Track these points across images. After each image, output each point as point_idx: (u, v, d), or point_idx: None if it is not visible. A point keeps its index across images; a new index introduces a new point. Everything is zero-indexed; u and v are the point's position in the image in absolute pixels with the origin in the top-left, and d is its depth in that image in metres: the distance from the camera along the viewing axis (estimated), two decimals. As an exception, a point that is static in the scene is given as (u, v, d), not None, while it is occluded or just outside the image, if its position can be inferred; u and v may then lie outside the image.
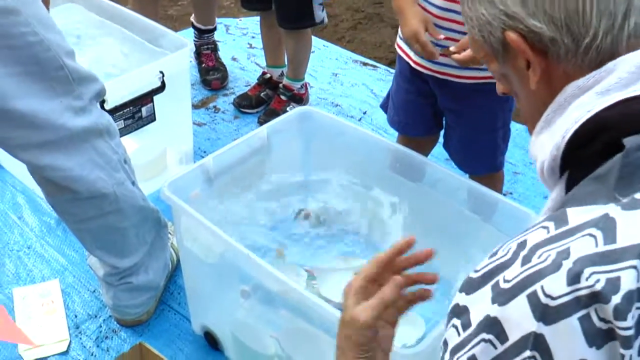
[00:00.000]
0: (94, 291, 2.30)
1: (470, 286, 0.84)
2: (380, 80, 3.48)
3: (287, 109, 3.04)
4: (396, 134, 2.35)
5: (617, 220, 0.77)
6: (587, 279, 0.74)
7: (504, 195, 2.27)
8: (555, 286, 0.76)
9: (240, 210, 2.18)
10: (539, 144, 0.95)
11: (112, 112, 2.24)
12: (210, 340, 2.10)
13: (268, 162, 2.17)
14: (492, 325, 0.80)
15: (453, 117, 2.14)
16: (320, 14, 2.86)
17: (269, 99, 3.21)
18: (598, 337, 0.74)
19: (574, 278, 0.75)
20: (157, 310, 2.24)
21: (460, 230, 1.94)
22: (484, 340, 0.80)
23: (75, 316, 2.23)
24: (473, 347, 0.81)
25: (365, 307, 1.04)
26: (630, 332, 0.73)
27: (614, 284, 0.73)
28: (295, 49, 3.03)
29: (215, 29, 3.40)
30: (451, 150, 2.25)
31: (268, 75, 3.22)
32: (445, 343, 0.85)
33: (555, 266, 0.76)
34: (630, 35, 0.89)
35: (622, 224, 0.77)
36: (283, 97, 3.14)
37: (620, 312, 0.73)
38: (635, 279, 0.74)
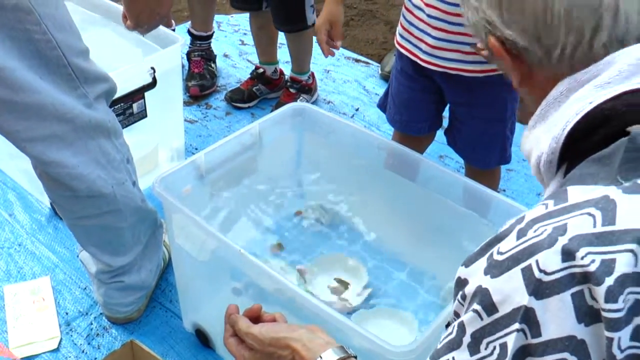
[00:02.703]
0: (85, 288, 2.29)
1: (469, 259, 0.86)
2: (373, 76, 3.47)
3: (298, 100, 3.05)
4: (389, 130, 2.35)
5: (617, 203, 0.77)
6: (582, 258, 0.74)
7: (498, 192, 2.27)
8: (550, 261, 0.76)
9: (232, 207, 2.17)
10: (533, 138, 0.95)
11: (103, 108, 2.23)
12: (202, 338, 2.09)
13: (260, 159, 2.16)
14: (482, 297, 0.81)
15: (464, 110, 2.13)
16: (311, 16, 2.90)
17: (262, 94, 3.21)
18: (588, 314, 0.75)
19: (568, 255, 0.75)
20: (149, 307, 2.22)
21: (455, 228, 1.94)
22: (473, 310, 0.82)
23: (66, 313, 2.21)
24: (464, 314, 0.84)
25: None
26: (619, 315, 0.73)
27: (608, 266, 0.73)
28: (297, 47, 3.08)
29: (209, 37, 3.33)
30: (460, 145, 2.23)
31: (261, 70, 3.21)
32: (456, 314, 0.88)
33: (551, 241, 0.76)
34: (604, 46, 0.89)
35: (623, 207, 0.76)
36: (292, 90, 3.16)
37: (612, 294, 0.73)
38: (631, 263, 0.74)
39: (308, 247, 2.29)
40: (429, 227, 2.06)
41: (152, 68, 2.38)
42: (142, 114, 2.43)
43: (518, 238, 0.80)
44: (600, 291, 0.73)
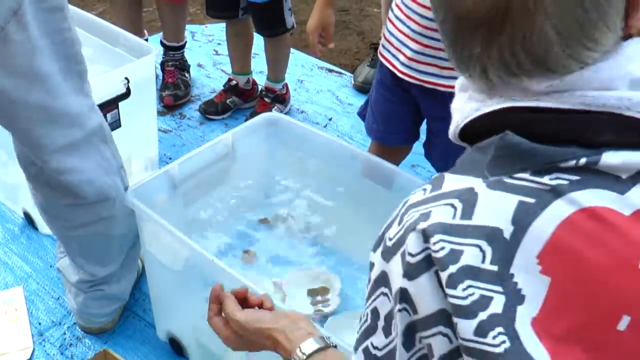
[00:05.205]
0: (59, 298, 2.28)
1: (374, 245, 0.92)
2: (346, 86, 3.50)
3: (273, 110, 3.06)
4: (362, 140, 2.36)
5: (479, 197, 0.81)
6: (434, 244, 0.80)
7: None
8: (413, 244, 0.82)
9: (205, 217, 2.18)
10: (455, 105, 0.99)
11: (77, 118, 2.23)
12: (175, 347, 2.10)
13: (233, 168, 2.17)
14: (383, 279, 0.88)
15: (439, 125, 2.12)
16: (290, 19, 2.96)
17: (235, 105, 3.23)
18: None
19: (425, 239, 0.81)
20: (122, 317, 2.23)
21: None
22: (382, 293, 0.88)
23: (39, 324, 2.21)
24: (374, 299, 0.90)
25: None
26: (461, 302, 0.78)
27: (455, 256, 0.79)
28: (275, 52, 3.11)
29: (182, 47, 3.34)
30: (435, 159, 2.24)
31: (234, 82, 3.22)
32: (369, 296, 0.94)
33: (414, 225, 0.82)
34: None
35: (483, 201, 0.81)
36: (267, 100, 3.18)
37: (452, 281, 0.79)
38: (477, 258, 0.79)
39: (280, 256, 2.31)
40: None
41: (126, 78, 2.38)
42: (116, 124, 2.43)
43: (399, 224, 0.86)
44: (443, 276, 0.79)
